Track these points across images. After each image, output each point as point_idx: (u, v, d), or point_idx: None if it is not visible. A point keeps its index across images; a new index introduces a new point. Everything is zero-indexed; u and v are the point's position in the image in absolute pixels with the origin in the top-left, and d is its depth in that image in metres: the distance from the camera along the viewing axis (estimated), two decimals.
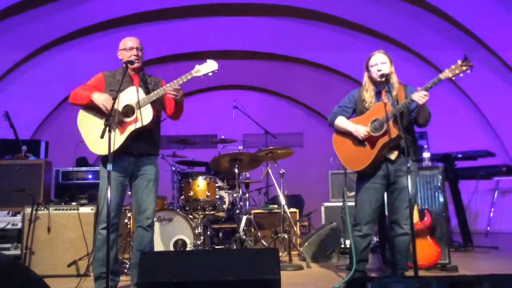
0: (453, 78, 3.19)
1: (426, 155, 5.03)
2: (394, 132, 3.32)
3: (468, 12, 6.67)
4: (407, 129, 3.46)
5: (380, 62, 3.50)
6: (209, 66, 3.46)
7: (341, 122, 3.62)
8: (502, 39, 6.74)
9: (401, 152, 3.44)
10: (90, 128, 3.42)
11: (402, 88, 3.50)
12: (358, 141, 3.51)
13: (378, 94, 3.56)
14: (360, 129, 3.46)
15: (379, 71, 3.47)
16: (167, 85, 3.43)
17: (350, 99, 3.71)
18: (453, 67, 3.16)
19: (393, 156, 3.45)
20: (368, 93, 3.57)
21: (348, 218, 4.18)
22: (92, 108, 3.42)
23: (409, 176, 3.12)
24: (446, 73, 3.17)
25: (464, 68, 3.13)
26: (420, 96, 3.20)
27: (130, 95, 3.42)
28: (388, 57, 3.55)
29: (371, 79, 3.57)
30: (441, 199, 4.57)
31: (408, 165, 3.09)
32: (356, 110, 3.66)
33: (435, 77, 3.20)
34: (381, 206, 3.66)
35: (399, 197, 3.49)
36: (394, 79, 3.53)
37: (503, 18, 6.50)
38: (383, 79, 3.41)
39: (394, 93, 3.45)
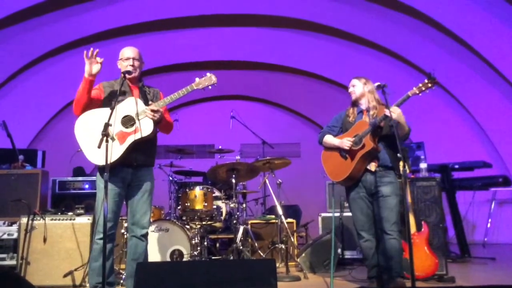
0: (420, 94, 3.56)
1: (423, 165, 5.05)
2: (370, 145, 3.66)
3: (465, 25, 6.71)
4: (390, 145, 3.77)
5: (351, 85, 4.03)
6: (209, 79, 3.54)
7: (328, 138, 4.01)
8: (498, 50, 6.78)
9: (380, 166, 3.74)
10: (88, 137, 3.38)
11: (383, 108, 3.77)
12: (341, 155, 3.85)
13: (360, 114, 3.94)
14: (345, 141, 3.80)
15: (349, 92, 4.03)
16: (168, 96, 3.45)
17: (337, 119, 4.13)
18: (420, 85, 3.55)
19: (372, 167, 3.76)
20: (351, 109, 4.02)
21: (334, 229, 4.38)
22: (93, 113, 3.40)
23: (391, 186, 3.68)
24: (414, 90, 3.58)
25: (429, 85, 3.52)
26: (391, 110, 3.53)
27: (129, 105, 3.43)
28: (359, 81, 3.99)
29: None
30: (438, 210, 4.57)
31: (390, 179, 3.70)
32: (342, 129, 4.02)
33: (405, 94, 3.58)
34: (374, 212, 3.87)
35: (381, 204, 3.72)
36: (369, 98, 3.90)
37: (500, 30, 6.54)
38: (353, 98, 3.98)
39: (372, 112, 3.84)
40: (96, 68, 3.37)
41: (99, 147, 3.02)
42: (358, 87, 3.95)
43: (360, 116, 3.92)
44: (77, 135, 3.42)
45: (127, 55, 3.56)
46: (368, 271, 3.90)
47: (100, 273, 3.23)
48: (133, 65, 3.53)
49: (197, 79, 3.52)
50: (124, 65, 3.54)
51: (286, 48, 8.40)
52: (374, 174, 3.75)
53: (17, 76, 7.83)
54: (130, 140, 3.37)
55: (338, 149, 3.86)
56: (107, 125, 3.09)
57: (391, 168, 3.75)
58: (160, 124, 3.55)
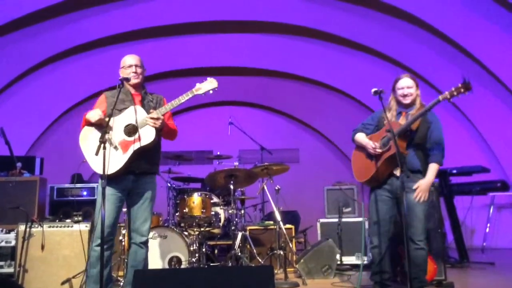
0: (451, 99, 3.42)
1: None
2: (394, 149, 3.47)
3: (464, 31, 6.75)
4: (421, 150, 3.67)
5: (406, 87, 3.69)
6: (210, 84, 3.53)
7: (359, 137, 3.83)
8: (497, 56, 6.81)
9: (409, 170, 3.59)
10: (92, 148, 3.35)
11: (420, 110, 3.61)
12: (368, 155, 3.71)
13: (398, 115, 3.74)
14: (370, 143, 3.67)
15: (405, 95, 3.68)
16: (169, 103, 3.45)
17: (373, 117, 3.93)
18: (453, 89, 3.39)
19: (397, 172, 3.59)
20: (390, 113, 3.75)
21: (363, 233, 4.26)
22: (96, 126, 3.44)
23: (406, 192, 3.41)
24: (445, 95, 3.41)
25: (462, 90, 3.37)
26: (419, 196, 3.53)
27: (131, 114, 3.43)
28: (414, 81, 3.73)
29: (396, 100, 3.76)
30: (436, 215, 4.57)
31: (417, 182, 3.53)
32: (379, 128, 3.82)
33: (435, 98, 3.43)
34: (393, 217, 3.75)
35: (407, 212, 3.52)
36: (417, 101, 3.70)
37: (498, 36, 6.57)
38: (409, 101, 3.67)
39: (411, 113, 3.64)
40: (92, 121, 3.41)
41: (96, 154, 3.03)
42: (414, 89, 3.70)
43: (398, 118, 3.73)
44: (82, 146, 3.46)
45: (129, 63, 3.56)
46: (371, 274, 3.83)
47: (97, 280, 3.23)
48: (135, 72, 3.53)
49: (197, 84, 3.53)
50: (126, 73, 3.53)
51: (284, 54, 8.42)
52: (400, 178, 3.55)
53: (15, 83, 7.84)
54: (132, 149, 3.38)
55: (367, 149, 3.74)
56: (104, 132, 3.10)
57: (418, 171, 3.61)
58: (163, 131, 3.55)
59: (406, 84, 3.70)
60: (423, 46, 7.37)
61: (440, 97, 3.43)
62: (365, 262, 5.18)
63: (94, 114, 3.40)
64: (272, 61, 8.70)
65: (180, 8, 7.19)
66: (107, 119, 3.30)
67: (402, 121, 3.65)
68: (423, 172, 3.63)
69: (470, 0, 6.39)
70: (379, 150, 3.61)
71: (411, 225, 3.55)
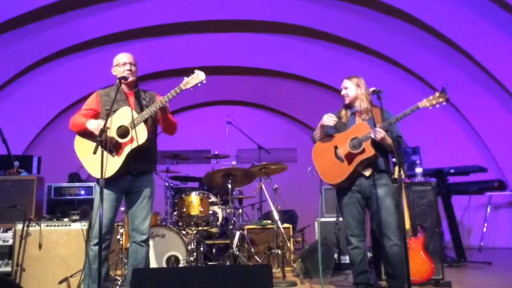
0: (430, 107, 3.52)
1: (419, 170, 5.06)
2: (371, 151, 3.56)
3: (461, 31, 6.75)
4: (382, 149, 3.69)
5: (343, 87, 3.88)
6: (197, 77, 3.43)
7: (316, 129, 3.90)
8: (494, 56, 6.82)
9: (374, 170, 3.66)
10: (87, 152, 3.37)
11: (379, 111, 3.70)
12: (337, 157, 3.72)
13: (353, 115, 3.84)
14: (324, 117, 3.74)
15: (342, 95, 3.88)
16: (157, 101, 3.44)
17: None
18: (431, 97, 3.52)
19: (367, 173, 3.67)
20: (344, 111, 3.89)
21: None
22: (88, 134, 3.42)
23: (385, 187, 3.60)
24: (424, 103, 3.53)
25: (440, 99, 3.50)
26: (377, 132, 3.51)
27: (123, 115, 3.42)
28: (351, 82, 3.85)
29: None
30: (434, 214, 4.58)
31: (385, 181, 3.61)
32: (335, 129, 3.85)
33: (414, 105, 3.52)
34: (365, 216, 3.80)
35: (377, 208, 3.62)
36: (362, 100, 3.78)
37: (495, 36, 6.57)
38: (347, 102, 3.85)
39: (364, 115, 3.75)
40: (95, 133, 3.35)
41: (94, 153, 3.02)
42: (351, 90, 3.82)
43: (353, 118, 3.81)
44: (77, 151, 3.46)
45: (124, 60, 3.55)
46: (354, 277, 3.79)
47: (95, 279, 3.23)
48: (130, 70, 3.52)
49: (185, 78, 3.45)
50: (120, 71, 3.52)
51: (282, 54, 8.42)
52: (369, 178, 3.66)
53: (12, 82, 7.82)
54: (127, 150, 3.37)
55: (333, 149, 3.74)
56: (102, 131, 3.10)
57: (384, 171, 3.67)
58: (164, 125, 3.57)
59: (342, 85, 3.89)
60: (422, 46, 7.37)
61: (419, 104, 3.53)
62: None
63: (98, 128, 3.27)
64: (270, 61, 8.69)
65: (177, 7, 7.17)
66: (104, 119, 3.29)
67: (358, 121, 3.75)
68: (388, 172, 3.69)
69: (468, 0, 6.40)
70: (352, 150, 3.61)
71: (382, 220, 3.58)
